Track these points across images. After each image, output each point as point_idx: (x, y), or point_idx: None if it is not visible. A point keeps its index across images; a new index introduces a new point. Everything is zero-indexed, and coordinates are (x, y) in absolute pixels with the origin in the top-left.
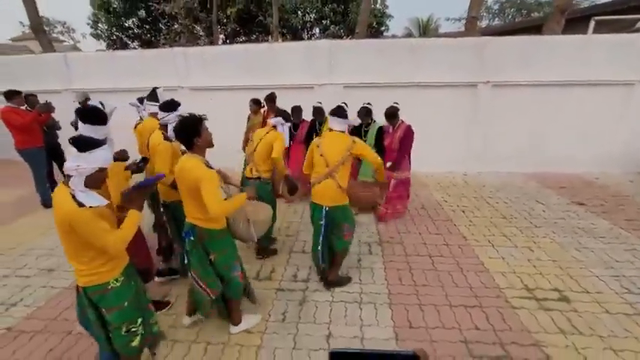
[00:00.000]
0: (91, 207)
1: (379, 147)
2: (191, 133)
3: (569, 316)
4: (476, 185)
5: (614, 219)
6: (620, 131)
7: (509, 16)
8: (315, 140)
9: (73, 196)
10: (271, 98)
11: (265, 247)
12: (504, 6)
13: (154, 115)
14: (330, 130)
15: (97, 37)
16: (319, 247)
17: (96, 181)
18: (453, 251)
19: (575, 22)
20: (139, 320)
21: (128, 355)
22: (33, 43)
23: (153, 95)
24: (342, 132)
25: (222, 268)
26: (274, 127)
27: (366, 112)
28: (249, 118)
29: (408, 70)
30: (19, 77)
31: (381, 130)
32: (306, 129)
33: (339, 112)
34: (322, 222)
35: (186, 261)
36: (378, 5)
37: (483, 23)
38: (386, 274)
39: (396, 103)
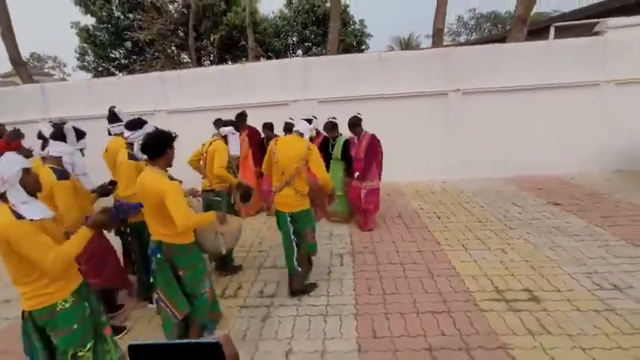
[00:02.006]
0: (32, 220)
1: (347, 158)
2: (161, 145)
3: (538, 316)
4: (454, 192)
5: (589, 217)
6: (593, 131)
7: (486, 31)
8: (271, 145)
9: (13, 211)
10: (242, 116)
11: (226, 264)
12: (480, 21)
13: (119, 135)
14: (291, 131)
15: (83, 68)
16: (294, 252)
17: (32, 183)
18: (426, 257)
19: (538, 33)
20: (89, 345)
21: None
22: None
23: (113, 116)
24: (301, 135)
25: (190, 284)
26: (224, 136)
27: (331, 126)
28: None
29: (380, 83)
30: (8, 107)
31: (347, 142)
32: (320, 143)
33: (308, 120)
34: (289, 226)
35: (151, 280)
36: (357, 26)
37: (462, 38)
38: (355, 285)
39: (359, 114)
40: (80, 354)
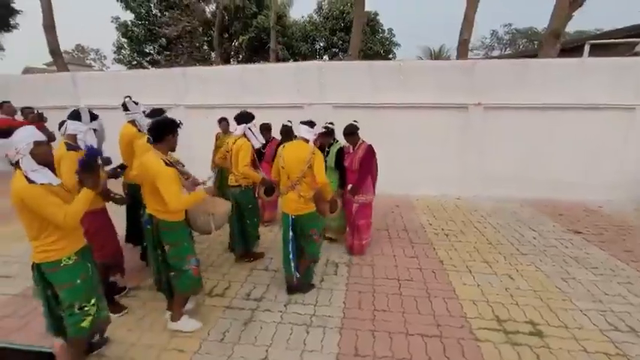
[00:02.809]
0: (42, 184)
1: (340, 168)
2: (165, 131)
3: (539, 353)
4: (467, 209)
5: (612, 249)
6: (625, 158)
7: (521, 47)
8: (280, 149)
9: (26, 177)
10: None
11: (248, 252)
12: (515, 36)
13: (130, 122)
14: (296, 137)
15: (119, 61)
16: (290, 257)
17: (42, 155)
18: (425, 276)
19: (573, 52)
20: (93, 300)
21: (77, 336)
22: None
23: (124, 106)
24: (307, 140)
25: (173, 259)
26: (244, 134)
27: (327, 132)
28: (217, 137)
29: (398, 91)
30: (35, 94)
31: (341, 151)
32: (274, 148)
33: (309, 123)
34: (290, 231)
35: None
36: (385, 34)
37: (495, 53)
38: (345, 297)
39: (356, 122)
40: (87, 308)
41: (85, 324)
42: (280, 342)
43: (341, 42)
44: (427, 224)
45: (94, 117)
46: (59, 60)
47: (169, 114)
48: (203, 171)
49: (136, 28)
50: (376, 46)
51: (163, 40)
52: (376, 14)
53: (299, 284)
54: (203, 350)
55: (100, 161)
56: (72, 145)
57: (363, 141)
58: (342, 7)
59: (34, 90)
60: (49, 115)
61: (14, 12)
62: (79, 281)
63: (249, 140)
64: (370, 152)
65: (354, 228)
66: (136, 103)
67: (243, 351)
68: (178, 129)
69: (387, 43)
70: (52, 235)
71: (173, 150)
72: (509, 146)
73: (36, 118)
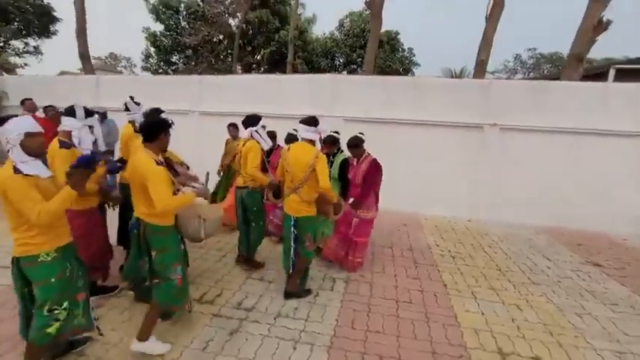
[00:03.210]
0: (27, 175)
1: (343, 180)
2: (157, 130)
3: None
4: (477, 233)
5: (634, 285)
6: None
7: (545, 72)
8: (284, 151)
9: (14, 167)
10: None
11: (251, 259)
12: (540, 61)
13: (131, 122)
14: (301, 139)
15: (146, 69)
16: (291, 256)
17: (33, 146)
18: (426, 299)
19: (598, 78)
20: (65, 304)
21: (38, 341)
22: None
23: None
24: (311, 141)
25: (158, 266)
26: (251, 137)
27: (331, 141)
28: (227, 142)
29: (410, 108)
30: (62, 94)
31: (345, 162)
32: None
33: (309, 120)
34: (291, 230)
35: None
36: (405, 53)
37: (518, 77)
38: (339, 315)
39: (361, 134)
40: (56, 312)
41: (50, 330)
42: (264, 356)
43: (360, 59)
44: (434, 245)
45: (89, 113)
46: (87, 64)
47: (184, 119)
48: (217, 177)
49: (164, 39)
50: (395, 64)
51: (189, 50)
52: (397, 33)
53: (296, 289)
54: (183, 358)
55: (95, 168)
56: (65, 142)
57: (369, 154)
58: (363, 25)
59: (61, 90)
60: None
61: (54, 19)
62: (53, 280)
63: (258, 143)
64: (375, 167)
65: (350, 244)
66: (138, 104)
67: None
68: (170, 129)
69: (407, 62)
70: (32, 228)
71: (164, 150)
72: (525, 170)
73: (56, 116)
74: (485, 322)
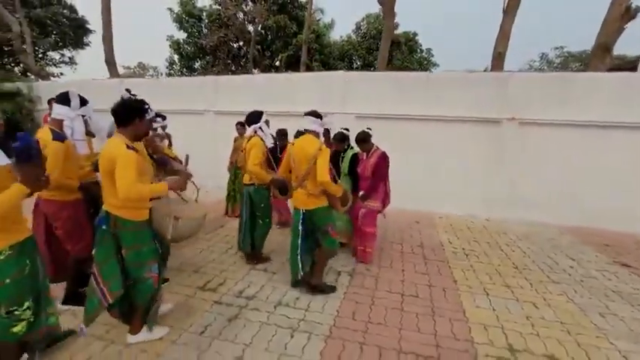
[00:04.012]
0: None
1: (353, 174)
2: (130, 114)
3: None
4: (495, 232)
5: None
6: None
7: (574, 71)
8: (289, 147)
9: None
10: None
11: (255, 254)
12: (568, 60)
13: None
14: (305, 130)
15: (170, 76)
16: (298, 252)
17: None
18: (434, 294)
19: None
20: (26, 304)
21: (6, 340)
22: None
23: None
24: (316, 133)
25: (132, 265)
26: (255, 133)
27: (340, 138)
28: (235, 139)
29: (424, 103)
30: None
31: (355, 157)
32: (330, 156)
33: (313, 113)
34: (300, 225)
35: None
36: (423, 54)
37: None
38: (340, 306)
39: (369, 128)
40: (17, 312)
41: (16, 329)
42: (260, 342)
43: (377, 61)
44: (447, 242)
45: (84, 102)
46: (113, 69)
47: (200, 119)
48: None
49: (187, 46)
50: (413, 65)
51: (210, 56)
52: (415, 34)
53: (320, 283)
54: (181, 341)
55: (37, 155)
56: (57, 132)
57: (377, 148)
58: (379, 27)
59: (88, 93)
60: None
61: (88, 31)
62: (8, 281)
63: (263, 140)
64: (383, 159)
65: (359, 234)
66: (134, 97)
67: (220, 346)
68: (146, 114)
69: (425, 63)
70: None
71: (140, 138)
72: (546, 166)
73: None
74: (496, 319)
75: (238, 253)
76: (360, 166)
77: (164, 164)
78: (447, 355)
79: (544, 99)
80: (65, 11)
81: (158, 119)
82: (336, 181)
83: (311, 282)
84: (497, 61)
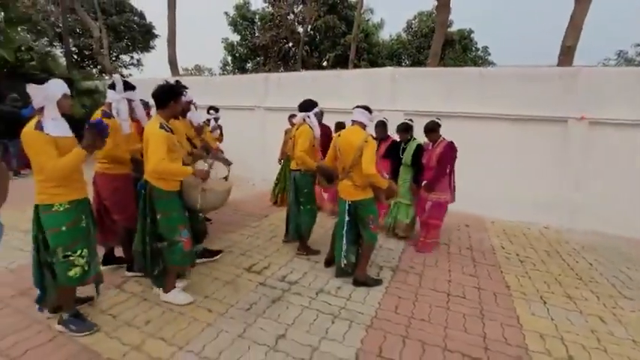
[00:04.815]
0: (48, 134)
1: (417, 165)
2: (166, 96)
3: None
4: (555, 240)
5: None
6: None
7: None
8: (334, 138)
9: (39, 122)
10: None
11: (303, 243)
12: None
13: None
14: (353, 122)
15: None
16: (343, 242)
17: (66, 106)
18: (483, 297)
19: None
20: (79, 252)
21: (65, 283)
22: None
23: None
24: (363, 125)
25: (164, 228)
26: (304, 121)
27: (404, 128)
28: (286, 132)
29: (477, 101)
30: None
31: (419, 148)
32: (389, 147)
33: (363, 106)
34: (345, 215)
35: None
36: (479, 52)
37: None
38: (382, 298)
39: (438, 119)
40: (72, 258)
41: (72, 273)
42: (302, 324)
43: (427, 59)
44: (499, 247)
45: (129, 87)
46: (174, 69)
47: (251, 115)
48: (276, 167)
49: (240, 48)
50: (467, 64)
51: (261, 57)
52: (471, 31)
53: (363, 277)
54: (228, 314)
55: (103, 129)
56: (107, 112)
57: (444, 138)
58: (432, 24)
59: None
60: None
61: (154, 36)
62: (64, 228)
63: (311, 129)
64: (450, 149)
65: (424, 226)
66: (133, 88)
67: (265, 323)
68: (180, 96)
69: (481, 62)
70: (48, 180)
71: (175, 117)
72: (619, 170)
73: (147, 109)
74: (555, 328)
75: (278, 240)
76: (425, 157)
77: (207, 151)
78: (496, 359)
79: (621, 97)
80: (136, 18)
81: (211, 111)
82: (395, 173)
83: (355, 276)
84: (566, 56)
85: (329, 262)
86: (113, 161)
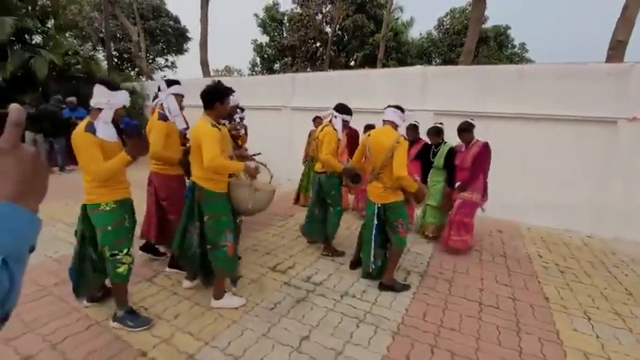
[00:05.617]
0: (96, 137)
1: (450, 168)
2: (212, 97)
3: None
4: (600, 250)
5: None
6: None
7: None
8: (363, 138)
9: (90, 125)
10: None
11: (329, 245)
12: None
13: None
14: (384, 121)
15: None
16: (372, 245)
17: (119, 114)
18: (519, 308)
19: None
20: (125, 250)
21: (115, 280)
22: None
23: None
24: (394, 125)
25: (211, 231)
26: (330, 121)
27: (435, 131)
28: (310, 133)
29: (514, 100)
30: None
31: (451, 151)
32: (420, 150)
33: (396, 105)
34: (374, 219)
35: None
36: (516, 49)
37: None
38: (409, 305)
39: (472, 119)
40: (119, 257)
41: (120, 270)
42: (326, 327)
43: (460, 57)
44: (536, 256)
45: (171, 83)
46: (206, 70)
47: (277, 114)
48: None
49: (268, 49)
50: (502, 62)
51: (289, 58)
52: (507, 28)
53: (389, 282)
54: (253, 313)
55: (138, 132)
56: (162, 114)
57: (477, 139)
58: (465, 21)
59: (186, 90)
60: (191, 111)
61: (187, 39)
62: (109, 228)
63: (335, 130)
64: (485, 149)
65: (453, 224)
66: (176, 82)
67: (288, 324)
68: (227, 98)
69: (517, 59)
70: (95, 181)
71: (223, 117)
72: None
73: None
74: (601, 347)
75: (303, 240)
76: (458, 158)
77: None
78: None
79: None
80: (171, 22)
81: (237, 110)
82: (425, 176)
83: (381, 281)
84: (616, 51)
85: (354, 264)
86: (166, 163)
